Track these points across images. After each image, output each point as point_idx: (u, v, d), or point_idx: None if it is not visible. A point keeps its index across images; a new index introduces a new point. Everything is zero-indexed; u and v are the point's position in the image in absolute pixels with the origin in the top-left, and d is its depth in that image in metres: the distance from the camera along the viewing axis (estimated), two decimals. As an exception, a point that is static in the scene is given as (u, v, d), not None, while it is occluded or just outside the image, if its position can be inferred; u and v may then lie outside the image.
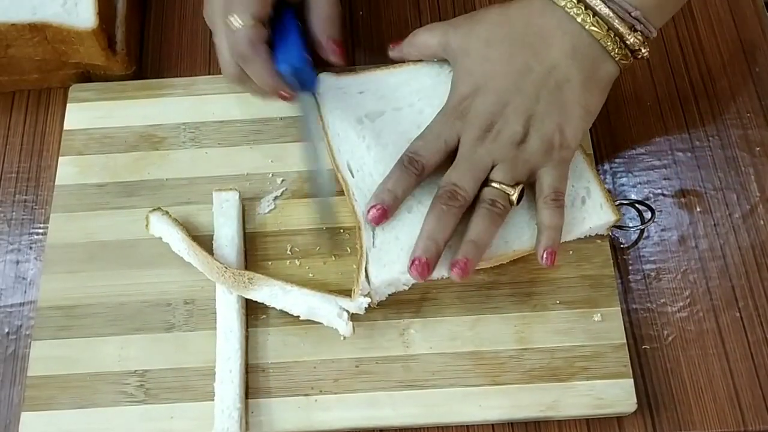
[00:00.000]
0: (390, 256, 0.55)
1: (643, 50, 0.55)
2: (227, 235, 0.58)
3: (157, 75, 0.68)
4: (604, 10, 0.53)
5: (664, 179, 0.62)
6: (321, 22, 0.58)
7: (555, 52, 0.55)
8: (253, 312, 0.57)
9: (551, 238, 0.55)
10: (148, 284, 0.59)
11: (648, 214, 0.59)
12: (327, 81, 0.62)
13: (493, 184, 0.55)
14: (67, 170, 0.62)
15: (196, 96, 0.65)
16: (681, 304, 0.58)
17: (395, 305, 0.57)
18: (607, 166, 0.63)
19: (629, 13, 0.54)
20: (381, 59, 0.64)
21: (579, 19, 0.54)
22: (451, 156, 0.56)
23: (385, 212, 0.55)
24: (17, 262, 0.61)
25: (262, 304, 0.56)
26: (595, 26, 0.54)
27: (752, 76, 0.66)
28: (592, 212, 0.57)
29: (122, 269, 0.59)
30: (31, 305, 0.59)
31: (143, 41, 0.70)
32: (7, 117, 0.67)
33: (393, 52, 0.62)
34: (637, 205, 0.60)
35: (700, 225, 0.61)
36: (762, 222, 0.61)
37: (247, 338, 0.56)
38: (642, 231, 0.60)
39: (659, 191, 0.62)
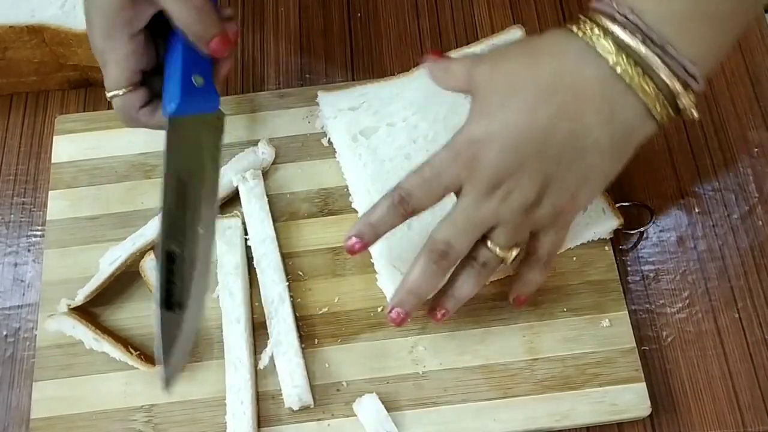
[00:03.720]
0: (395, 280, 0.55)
1: (695, 114, 0.46)
2: (232, 263, 0.57)
3: None
4: (657, 64, 0.44)
5: (663, 180, 0.63)
6: (187, 29, 0.49)
7: (589, 116, 0.46)
8: (259, 339, 0.57)
9: (529, 290, 0.54)
10: (148, 317, 0.58)
11: (648, 216, 0.60)
12: (322, 99, 0.62)
13: (491, 245, 0.50)
14: (58, 204, 0.61)
15: (185, 121, 0.64)
16: (680, 305, 0.59)
17: (402, 323, 0.57)
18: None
19: (685, 69, 0.45)
20: (379, 60, 0.65)
21: (627, 79, 0.45)
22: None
23: (363, 246, 0.50)
24: (15, 265, 0.61)
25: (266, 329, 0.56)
26: (645, 88, 0.45)
27: (750, 77, 0.66)
28: (595, 218, 0.57)
29: (120, 303, 0.58)
30: (29, 308, 0.59)
31: None
32: (5, 119, 0.66)
33: (426, 65, 0.54)
34: (636, 206, 0.61)
35: (698, 226, 0.61)
36: (760, 223, 0.61)
37: (256, 367, 0.55)
38: (641, 233, 0.61)
39: (658, 192, 0.62)
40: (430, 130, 0.59)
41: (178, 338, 0.48)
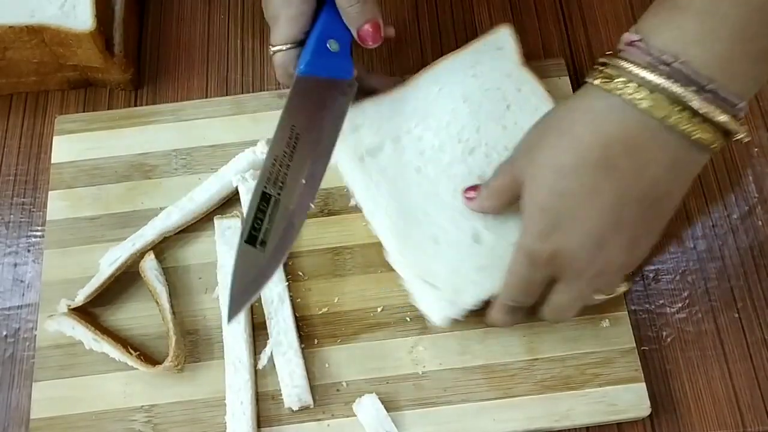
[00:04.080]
0: (430, 296, 0.54)
1: (746, 138, 0.46)
2: (231, 263, 0.57)
3: (155, 77, 0.68)
4: (712, 111, 0.43)
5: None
6: (344, 9, 0.54)
7: (653, 170, 0.45)
8: (259, 339, 0.57)
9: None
10: (147, 317, 0.58)
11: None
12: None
13: (604, 295, 0.53)
14: (58, 204, 0.61)
15: (186, 121, 0.64)
16: (680, 305, 0.59)
17: (402, 323, 0.57)
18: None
19: (735, 106, 0.44)
20: (379, 60, 0.65)
21: (682, 127, 0.44)
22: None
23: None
24: (15, 265, 0.61)
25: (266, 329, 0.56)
26: (701, 135, 0.44)
27: (749, 77, 0.66)
28: None
29: (121, 303, 0.58)
30: (29, 308, 0.59)
31: (141, 43, 0.69)
32: (5, 120, 0.66)
33: (472, 203, 0.55)
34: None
35: (698, 226, 0.61)
36: (760, 223, 0.61)
37: (256, 367, 0.56)
38: (641, 234, 0.61)
39: (657, 194, 0.62)
40: (436, 138, 0.58)
41: (250, 275, 0.50)
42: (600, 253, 0.47)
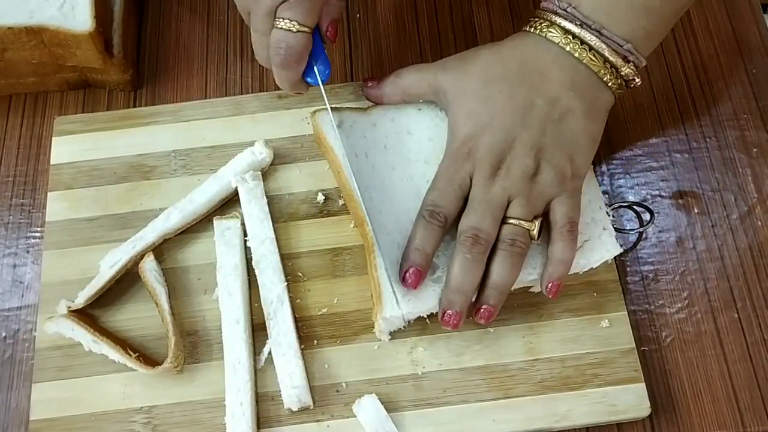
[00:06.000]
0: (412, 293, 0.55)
1: (637, 80, 0.56)
2: (231, 264, 0.57)
3: (155, 78, 0.68)
4: (598, 44, 0.54)
5: (662, 181, 0.63)
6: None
7: (555, 86, 0.55)
8: (258, 340, 0.57)
9: (560, 271, 0.54)
10: (147, 318, 0.58)
11: (647, 216, 0.60)
12: (325, 118, 0.60)
13: (512, 221, 0.54)
14: (57, 206, 0.61)
15: (185, 122, 0.64)
16: (679, 305, 0.59)
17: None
18: (604, 168, 0.63)
19: (621, 46, 0.55)
20: (378, 62, 0.66)
21: (576, 54, 0.55)
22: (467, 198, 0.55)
23: (419, 273, 0.54)
24: (14, 266, 0.61)
25: (266, 330, 0.56)
26: (592, 59, 0.55)
27: (749, 77, 0.66)
28: (597, 245, 0.57)
29: (120, 304, 0.58)
30: (28, 309, 0.59)
31: (140, 44, 0.69)
32: (4, 120, 0.66)
33: (371, 90, 0.62)
34: (635, 207, 0.61)
35: (697, 226, 0.61)
36: (759, 223, 0.61)
37: (255, 367, 0.56)
38: (641, 233, 0.61)
39: (657, 193, 0.62)
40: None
41: None
42: (509, 150, 0.54)
